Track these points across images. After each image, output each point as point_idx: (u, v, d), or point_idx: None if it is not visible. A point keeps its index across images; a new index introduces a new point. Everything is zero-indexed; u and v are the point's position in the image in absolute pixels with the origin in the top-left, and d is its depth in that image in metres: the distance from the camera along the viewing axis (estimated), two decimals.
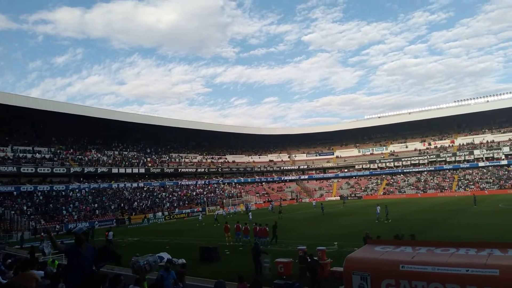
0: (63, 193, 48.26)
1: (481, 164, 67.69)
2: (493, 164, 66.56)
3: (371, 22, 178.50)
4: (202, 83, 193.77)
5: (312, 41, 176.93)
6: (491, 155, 67.71)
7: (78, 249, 5.26)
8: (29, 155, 48.57)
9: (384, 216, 31.04)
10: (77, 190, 49.70)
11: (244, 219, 32.68)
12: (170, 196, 58.21)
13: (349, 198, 69.22)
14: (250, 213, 40.84)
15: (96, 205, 47.92)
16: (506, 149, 66.63)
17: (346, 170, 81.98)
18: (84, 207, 46.19)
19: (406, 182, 71.08)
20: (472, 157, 69.35)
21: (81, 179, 52.62)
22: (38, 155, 49.60)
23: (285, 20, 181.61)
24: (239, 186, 73.41)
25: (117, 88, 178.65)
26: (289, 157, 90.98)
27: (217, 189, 67.65)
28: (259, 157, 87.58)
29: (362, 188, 73.52)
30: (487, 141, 71.44)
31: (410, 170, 74.09)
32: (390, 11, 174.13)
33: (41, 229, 37.41)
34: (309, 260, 12.75)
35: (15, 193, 43.94)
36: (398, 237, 13.43)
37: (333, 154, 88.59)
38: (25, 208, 41.95)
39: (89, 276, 5.11)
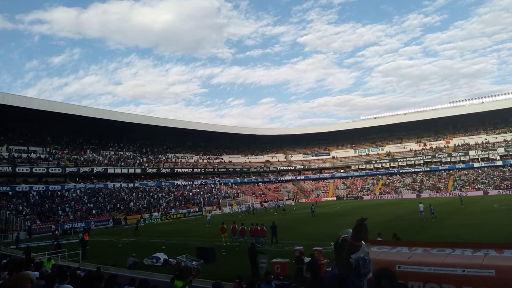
0: (59, 193, 47.99)
1: (476, 164, 68.02)
2: (488, 165, 66.90)
3: (366, 24, 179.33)
4: (199, 84, 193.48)
5: (308, 43, 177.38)
6: (486, 156, 68.07)
7: None
8: (24, 155, 48.25)
9: (429, 214, 30.61)
10: (72, 190, 49.43)
11: (248, 219, 32.62)
12: (167, 196, 58.03)
13: (345, 198, 69.54)
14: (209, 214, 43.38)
15: (92, 205, 47.67)
16: (501, 150, 67.00)
17: (342, 171, 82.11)
18: (80, 207, 45.94)
19: (402, 183, 71.30)
20: (467, 157, 69.68)
21: (77, 179, 52.36)
22: (33, 155, 49.29)
23: (281, 22, 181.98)
24: (236, 187, 73.33)
25: (113, 88, 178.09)
26: (285, 157, 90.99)
27: (213, 189, 67.52)
28: (256, 158, 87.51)
29: (358, 189, 73.65)
30: (482, 142, 71.81)
31: (406, 171, 74.32)
32: (385, 13, 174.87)
33: (36, 229, 37.25)
34: (310, 259, 12.72)
35: (10, 193, 43.64)
36: (395, 237, 13.49)
37: (329, 155, 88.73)
38: (20, 208, 41.67)
39: None
